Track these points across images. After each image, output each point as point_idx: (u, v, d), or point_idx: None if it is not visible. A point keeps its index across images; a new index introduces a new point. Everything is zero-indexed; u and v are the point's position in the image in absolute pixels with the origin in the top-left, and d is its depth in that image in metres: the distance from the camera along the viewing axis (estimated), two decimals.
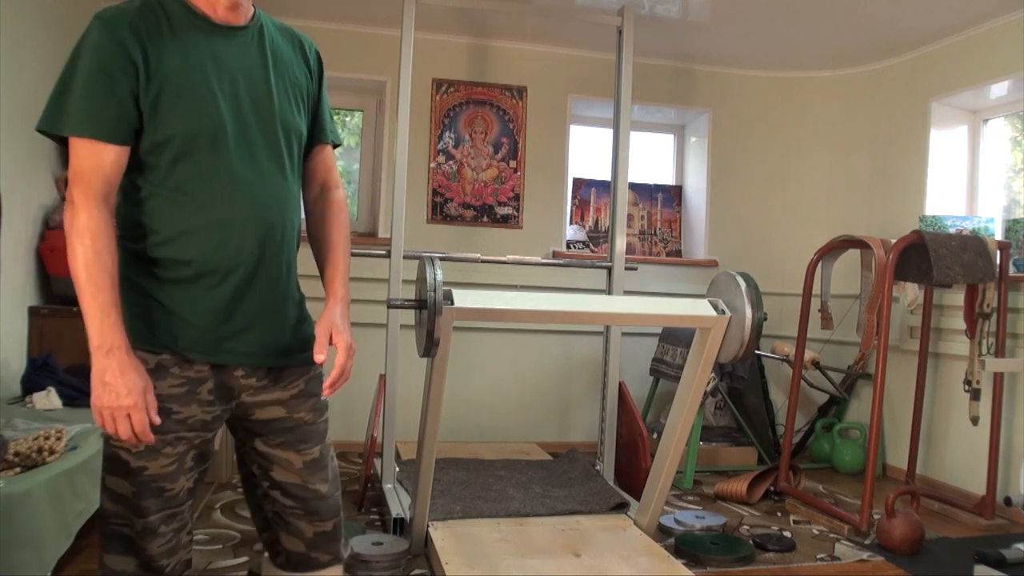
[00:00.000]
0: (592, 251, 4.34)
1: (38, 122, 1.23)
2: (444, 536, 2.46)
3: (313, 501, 1.44)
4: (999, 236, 3.58)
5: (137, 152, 1.25)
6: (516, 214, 4.17)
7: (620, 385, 3.26)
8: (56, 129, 1.21)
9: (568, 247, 4.28)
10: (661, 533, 2.75)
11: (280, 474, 1.43)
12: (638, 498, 2.76)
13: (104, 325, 1.18)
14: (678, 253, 4.56)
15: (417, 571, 2.37)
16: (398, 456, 3.18)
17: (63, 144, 1.23)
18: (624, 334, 3.54)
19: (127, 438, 1.19)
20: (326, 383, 1.42)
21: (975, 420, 3.10)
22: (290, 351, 1.43)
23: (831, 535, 2.87)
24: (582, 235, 4.40)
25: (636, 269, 3.65)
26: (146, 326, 1.28)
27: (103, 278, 1.18)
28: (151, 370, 1.26)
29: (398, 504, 2.73)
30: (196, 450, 1.33)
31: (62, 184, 3.21)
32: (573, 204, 4.46)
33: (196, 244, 1.27)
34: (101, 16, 1.22)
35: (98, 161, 1.20)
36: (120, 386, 1.17)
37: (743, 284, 2.23)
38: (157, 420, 1.22)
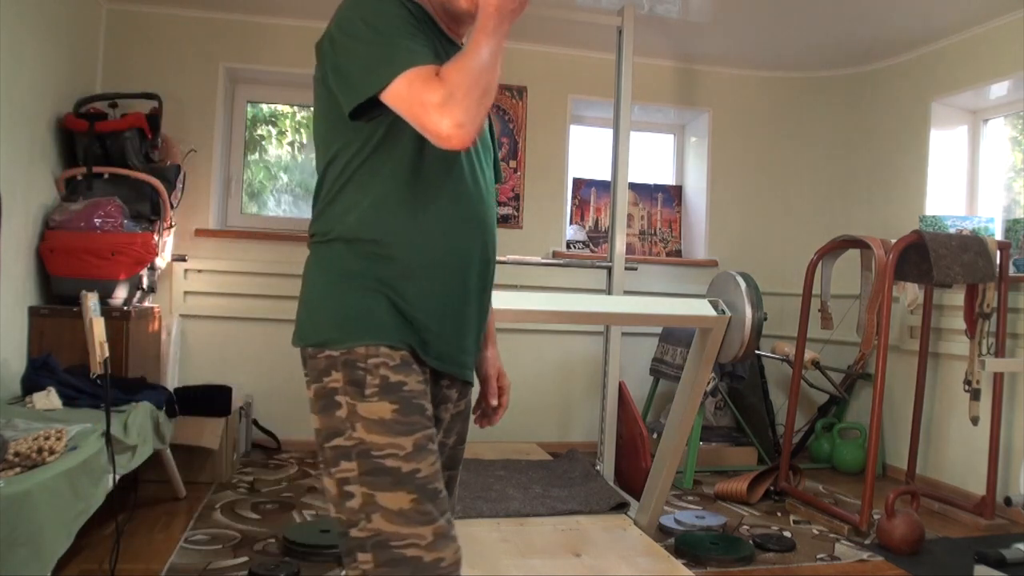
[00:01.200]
0: (592, 251, 4.34)
1: (357, 94, 1.11)
2: None
3: None
4: (999, 236, 3.58)
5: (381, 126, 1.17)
6: (516, 214, 4.17)
7: (620, 385, 3.26)
8: (388, 78, 1.08)
9: (568, 247, 4.28)
10: (661, 533, 2.75)
11: None
12: (638, 498, 2.76)
13: None
14: (678, 253, 4.56)
15: None
16: None
17: (361, 112, 1.13)
18: (624, 334, 3.54)
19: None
20: (495, 418, 1.45)
21: (975, 420, 3.10)
22: (474, 368, 1.36)
23: (831, 535, 2.86)
24: (582, 235, 4.40)
25: (636, 269, 3.65)
26: (394, 322, 1.18)
27: None
28: (396, 365, 1.16)
29: None
30: (442, 455, 1.27)
31: (62, 184, 3.21)
32: (573, 204, 4.46)
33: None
34: None
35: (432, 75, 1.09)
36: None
37: (743, 284, 2.23)
38: None
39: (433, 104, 1.06)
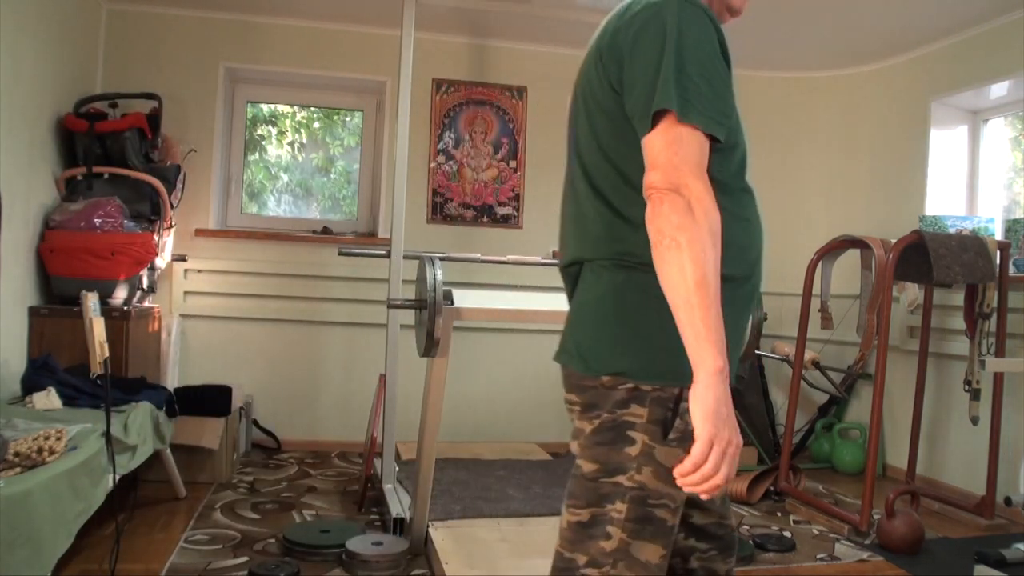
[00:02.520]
0: None
1: (659, 100, 1.02)
2: (444, 536, 2.46)
3: None
4: (999, 236, 3.58)
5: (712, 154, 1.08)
6: (516, 214, 4.17)
7: None
8: (687, 117, 1.01)
9: None
10: None
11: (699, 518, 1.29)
12: None
13: (721, 346, 0.96)
14: None
15: (417, 571, 2.37)
16: (398, 456, 3.18)
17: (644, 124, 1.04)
18: None
19: (720, 480, 0.96)
20: None
21: (975, 420, 3.10)
22: None
23: (831, 535, 2.86)
24: None
25: None
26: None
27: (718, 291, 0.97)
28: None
29: (398, 504, 2.73)
30: None
31: (62, 184, 3.21)
32: None
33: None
34: (691, 2, 1.07)
35: (705, 157, 1.02)
36: (733, 421, 0.97)
37: None
38: None
39: (683, 177, 0.99)
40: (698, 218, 0.97)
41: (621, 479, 1.07)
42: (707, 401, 0.95)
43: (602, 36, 1.18)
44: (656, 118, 1.02)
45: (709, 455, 0.95)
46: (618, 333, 1.10)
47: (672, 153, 1.00)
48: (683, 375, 0.99)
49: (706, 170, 1.01)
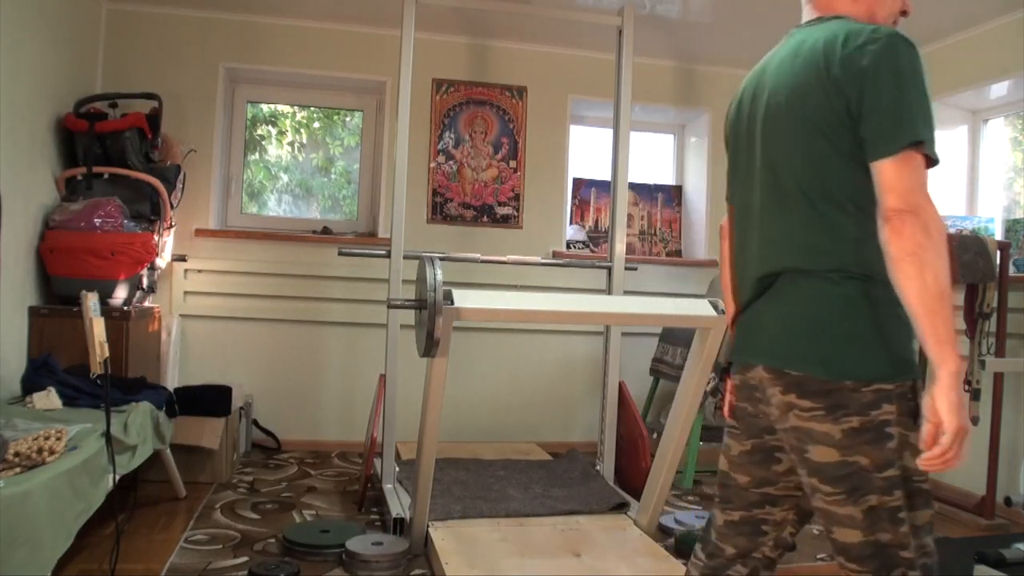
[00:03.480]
0: (592, 251, 4.34)
1: (910, 133, 1.18)
2: (444, 536, 2.46)
3: None
4: (999, 236, 3.58)
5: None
6: (516, 214, 4.17)
7: (620, 385, 3.26)
8: (925, 148, 1.17)
9: (568, 247, 4.28)
10: (661, 533, 2.74)
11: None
12: (638, 498, 2.76)
13: (955, 349, 1.13)
14: (678, 253, 4.56)
15: (417, 571, 2.37)
16: (398, 456, 3.18)
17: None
18: (624, 334, 3.54)
19: (949, 466, 1.14)
20: None
21: (975, 420, 3.09)
22: None
23: None
24: (582, 235, 4.40)
25: (636, 269, 3.64)
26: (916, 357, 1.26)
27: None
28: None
29: (398, 504, 2.73)
30: None
31: (62, 184, 3.21)
32: (573, 204, 4.46)
33: None
34: (904, 38, 1.24)
35: (928, 182, 1.19)
36: (966, 412, 1.15)
37: None
38: None
39: (919, 200, 1.15)
40: (934, 237, 1.13)
41: (892, 472, 1.23)
42: (951, 397, 1.11)
43: (827, 62, 1.27)
44: (897, 147, 1.18)
45: (955, 443, 1.11)
46: (861, 341, 1.24)
47: (909, 179, 1.16)
48: (914, 369, 1.23)
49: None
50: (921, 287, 1.12)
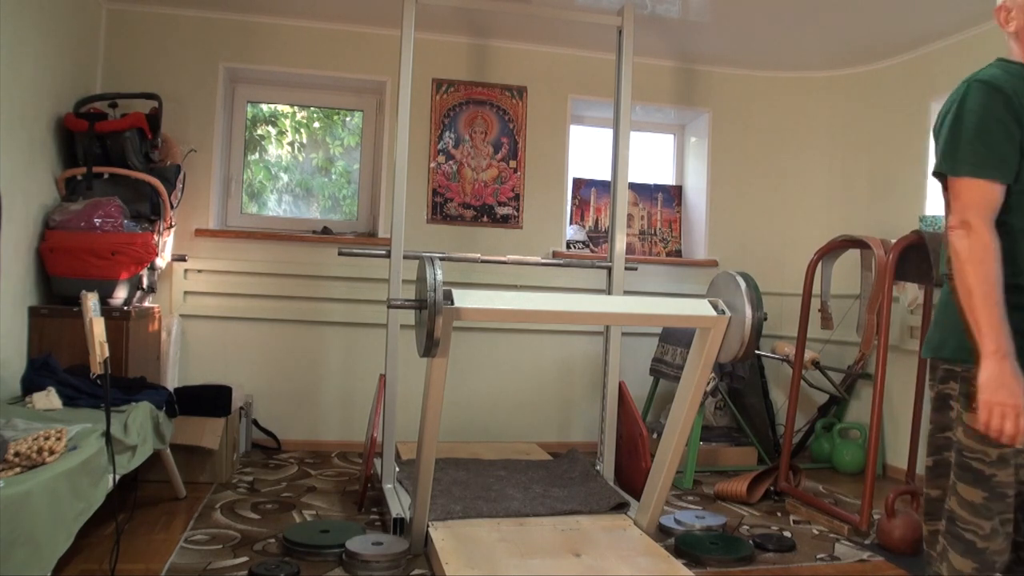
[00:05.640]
0: (592, 251, 4.34)
1: (936, 165, 1.49)
2: (444, 536, 2.46)
3: None
4: None
5: (1009, 192, 1.44)
6: (516, 214, 4.17)
7: (620, 385, 3.26)
8: (956, 172, 1.43)
9: (568, 247, 4.28)
10: (661, 533, 2.75)
11: None
12: (638, 498, 2.76)
13: (1001, 334, 1.35)
14: (678, 253, 4.56)
15: (417, 571, 2.37)
16: (398, 456, 3.18)
17: (943, 183, 1.50)
18: (624, 334, 3.54)
19: (1008, 435, 1.34)
20: None
21: None
22: None
23: (831, 535, 2.86)
24: (582, 235, 4.40)
25: (636, 269, 3.65)
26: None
27: (998, 294, 1.37)
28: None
29: (398, 504, 2.73)
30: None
31: (62, 184, 3.21)
32: (573, 204, 4.46)
33: None
34: (980, 80, 1.48)
35: (988, 196, 1.41)
36: (1016, 387, 1.33)
37: (743, 284, 2.23)
38: None
39: (966, 217, 1.42)
40: (975, 248, 1.39)
41: (949, 434, 1.52)
42: (986, 374, 1.35)
43: None
44: (944, 176, 1.48)
45: (990, 416, 1.35)
46: (942, 329, 1.55)
47: (956, 201, 1.44)
48: (971, 359, 1.42)
49: (992, 207, 1.42)
50: (965, 289, 1.39)
